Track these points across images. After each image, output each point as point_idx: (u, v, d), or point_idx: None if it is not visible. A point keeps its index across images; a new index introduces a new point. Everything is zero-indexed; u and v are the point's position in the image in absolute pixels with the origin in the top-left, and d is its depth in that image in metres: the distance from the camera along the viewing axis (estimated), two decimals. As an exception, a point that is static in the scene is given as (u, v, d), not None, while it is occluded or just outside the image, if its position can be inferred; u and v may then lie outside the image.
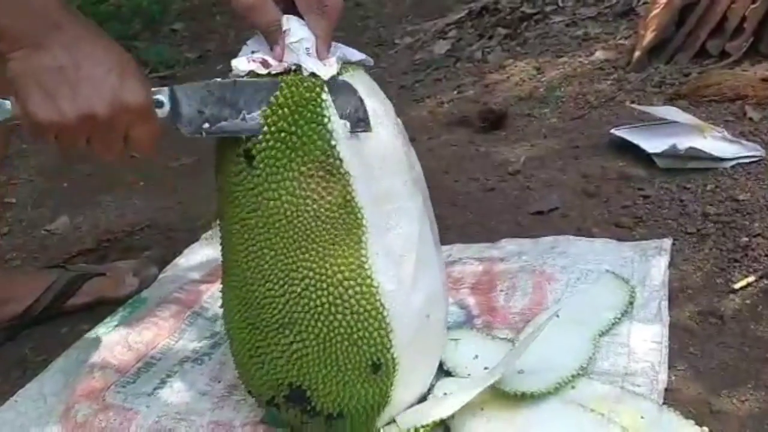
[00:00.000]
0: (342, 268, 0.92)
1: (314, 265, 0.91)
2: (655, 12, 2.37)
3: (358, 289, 0.92)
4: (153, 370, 1.24)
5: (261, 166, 0.90)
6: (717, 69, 2.16)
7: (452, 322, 1.21)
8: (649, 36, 2.33)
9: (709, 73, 2.14)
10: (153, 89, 0.89)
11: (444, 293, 1.07)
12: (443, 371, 1.10)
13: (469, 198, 1.75)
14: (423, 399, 1.05)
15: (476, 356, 1.12)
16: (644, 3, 2.81)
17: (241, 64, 0.92)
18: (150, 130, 0.89)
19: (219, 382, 1.19)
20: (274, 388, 0.97)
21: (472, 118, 2.19)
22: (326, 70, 0.92)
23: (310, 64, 0.91)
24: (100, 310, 1.46)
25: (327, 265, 0.92)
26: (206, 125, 0.90)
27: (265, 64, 0.91)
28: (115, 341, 1.31)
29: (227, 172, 0.93)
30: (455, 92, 2.55)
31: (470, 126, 2.18)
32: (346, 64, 0.95)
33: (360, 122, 0.92)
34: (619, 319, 1.16)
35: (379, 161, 0.95)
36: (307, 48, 0.91)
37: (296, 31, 0.92)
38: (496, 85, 2.52)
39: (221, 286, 1.02)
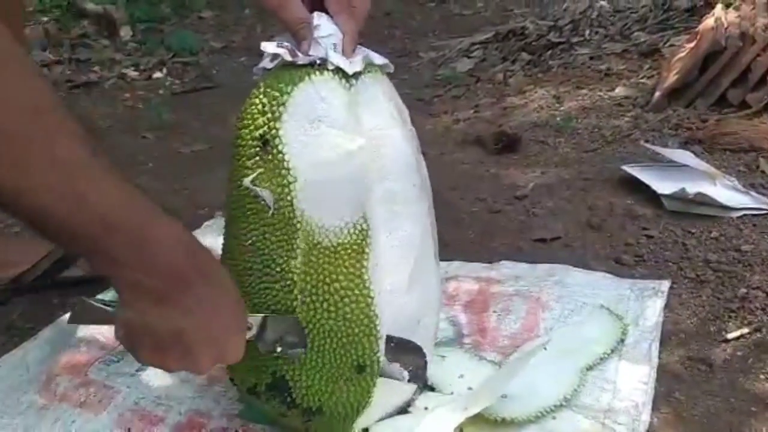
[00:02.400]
0: (341, 277, 0.91)
1: (312, 270, 0.91)
2: (680, 55, 2.38)
3: (353, 298, 0.92)
4: (138, 351, 1.23)
5: (274, 152, 0.90)
6: (735, 118, 2.16)
7: (441, 338, 1.21)
8: (671, 78, 2.33)
9: (727, 121, 2.14)
10: (249, 317, 0.90)
11: (438, 301, 1.07)
12: (427, 385, 1.10)
13: (473, 217, 1.75)
14: (403, 410, 1.04)
15: (462, 375, 1.11)
16: (670, 45, 2.82)
17: (270, 47, 0.94)
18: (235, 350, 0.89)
19: (203, 370, 1.19)
20: (257, 375, 0.96)
21: (486, 138, 2.19)
22: (351, 66, 0.93)
23: (336, 59, 0.93)
24: (94, 284, 1.46)
25: (326, 272, 0.91)
26: (279, 348, 0.92)
27: (292, 53, 0.93)
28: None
29: (241, 156, 0.93)
30: (472, 111, 2.55)
31: (483, 146, 2.18)
32: (369, 65, 0.97)
33: (417, 378, 1.00)
34: (609, 355, 1.16)
35: (390, 162, 0.95)
36: (334, 44, 0.93)
37: (325, 27, 0.94)
38: (514, 109, 2.52)
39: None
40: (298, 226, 0.90)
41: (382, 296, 0.94)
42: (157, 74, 3.34)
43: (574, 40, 3.15)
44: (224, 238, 0.99)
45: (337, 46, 0.93)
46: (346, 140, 0.91)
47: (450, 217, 1.74)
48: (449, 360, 1.14)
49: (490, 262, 1.49)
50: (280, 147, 0.90)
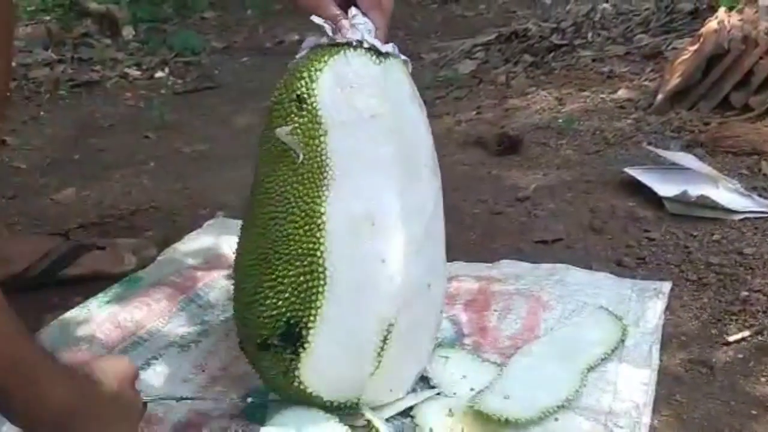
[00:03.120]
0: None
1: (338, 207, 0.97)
2: (683, 58, 2.37)
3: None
4: (139, 351, 1.24)
5: (308, 108, 0.97)
6: (738, 121, 2.16)
7: (443, 338, 1.21)
8: (674, 81, 2.33)
9: (730, 124, 2.14)
10: None
11: (444, 272, 1.13)
12: (429, 386, 1.10)
13: (474, 219, 1.75)
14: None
15: (464, 376, 1.11)
16: (673, 48, 2.82)
17: (317, 19, 1.02)
18: None
19: (203, 371, 1.19)
20: (271, 325, 0.98)
21: (488, 140, 2.19)
22: (384, 48, 1.02)
23: (371, 39, 1.01)
24: (94, 284, 1.46)
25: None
26: None
27: (334, 30, 1.01)
28: (104, 317, 1.31)
29: (277, 116, 0.99)
30: (474, 113, 2.55)
31: (485, 148, 2.18)
32: (395, 55, 1.06)
33: None
34: (609, 356, 1.16)
35: (410, 133, 1.04)
36: (369, 30, 1.02)
37: (360, 17, 1.02)
38: (516, 111, 2.52)
39: (240, 230, 1.06)
40: (326, 174, 0.96)
41: (392, 256, 0.99)
42: (159, 74, 3.34)
43: (577, 42, 3.15)
44: (251, 199, 1.03)
45: (372, 33, 1.02)
46: (373, 104, 0.99)
47: (451, 218, 1.72)
48: (451, 361, 1.14)
49: (491, 263, 1.49)
50: (314, 104, 0.97)
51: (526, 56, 3.08)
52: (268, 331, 0.98)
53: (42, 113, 2.84)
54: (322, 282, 0.96)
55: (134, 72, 3.36)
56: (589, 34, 3.21)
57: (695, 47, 2.35)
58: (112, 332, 1.27)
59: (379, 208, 0.99)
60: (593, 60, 2.95)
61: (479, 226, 1.71)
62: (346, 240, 0.97)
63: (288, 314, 0.97)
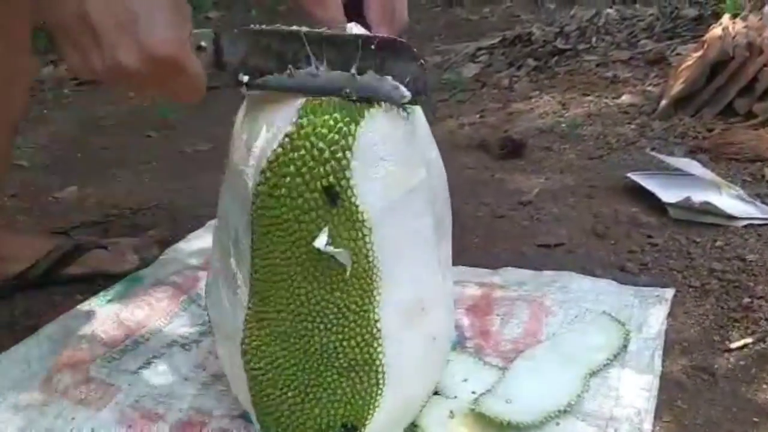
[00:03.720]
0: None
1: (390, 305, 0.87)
2: (687, 64, 2.37)
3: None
4: (140, 350, 1.24)
5: (346, 204, 0.80)
6: (741, 128, 2.16)
7: (444, 342, 1.21)
8: (678, 86, 2.33)
9: (733, 131, 2.14)
10: (196, 31, 0.81)
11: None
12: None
13: (477, 222, 1.75)
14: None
15: (465, 380, 1.11)
16: (677, 54, 2.82)
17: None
18: (191, 81, 0.79)
19: (204, 370, 1.19)
20: (323, 430, 0.91)
21: (491, 144, 2.19)
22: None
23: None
24: (96, 282, 1.46)
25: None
26: (246, 78, 0.81)
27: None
28: (106, 315, 1.31)
29: (292, 209, 0.81)
30: (477, 116, 2.55)
31: (488, 151, 2.18)
32: None
33: (418, 94, 0.80)
34: (611, 361, 1.15)
35: (438, 188, 0.94)
36: None
37: None
38: (519, 115, 2.52)
39: (245, 339, 0.91)
40: (374, 275, 0.84)
41: (442, 331, 0.96)
42: (163, 73, 3.34)
43: (581, 46, 3.16)
44: (250, 295, 0.88)
45: None
46: (410, 176, 0.84)
47: (454, 221, 1.73)
48: (453, 364, 1.13)
49: (493, 267, 1.49)
50: (351, 198, 0.80)
51: (529, 60, 3.08)
52: None
53: (45, 112, 2.85)
54: (381, 383, 0.89)
55: (138, 71, 3.36)
56: (593, 39, 3.21)
57: (699, 53, 2.35)
58: (114, 331, 1.27)
59: (427, 288, 0.91)
60: (597, 65, 2.95)
61: (481, 229, 1.71)
62: (400, 335, 0.89)
63: (344, 419, 0.90)
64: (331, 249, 0.80)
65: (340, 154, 0.79)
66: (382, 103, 0.81)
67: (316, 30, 0.80)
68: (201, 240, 1.61)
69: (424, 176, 0.86)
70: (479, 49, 3.34)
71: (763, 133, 2.09)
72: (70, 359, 1.19)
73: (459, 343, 1.23)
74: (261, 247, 0.84)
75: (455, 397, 1.08)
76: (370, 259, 0.83)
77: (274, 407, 0.92)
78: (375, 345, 0.87)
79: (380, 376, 0.89)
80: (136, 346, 1.25)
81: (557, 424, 1.02)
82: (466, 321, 1.28)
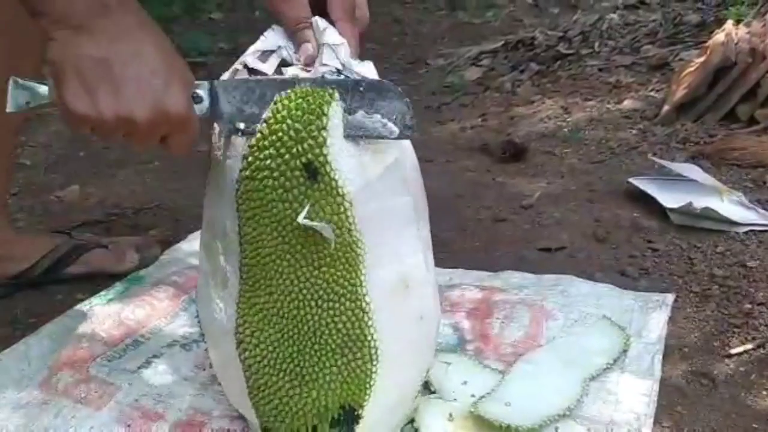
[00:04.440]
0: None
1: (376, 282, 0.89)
2: (689, 69, 2.37)
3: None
4: (140, 349, 1.24)
5: (325, 179, 0.83)
6: (743, 134, 2.16)
7: (445, 344, 1.21)
8: (680, 92, 2.33)
9: (735, 137, 2.14)
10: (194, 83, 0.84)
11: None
12: (430, 391, 1.10)
13: (478, 225, 1.75)
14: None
15: (465, 382, 1.11)
16: (679, 59, 2.82)
17: (291, 70, 0.90)
18: (188, 136, 0.84)
19: (204, 370, 1.19)
20: (322, 413, 0.92)
21: (493, 147, 2.19)
22: (368, 71, 0.91)
23: (355, 66, 0.90)
24: (97, 281, 1.46)
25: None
26: (242, 125, 0.86)
27: (305, 65, 0.89)
28: (107, 315, 1.31)
29: (275, 188, 0.85)
30: (479, 120, 2.55)
31: (490, 155, 2.18)
32: None
33: (407, 129, 0.86)
34: (611, 366, 1.15)
35: (410, 171, 0.94)
36: (346, 52, 0.90)
37: (332, 33, 0.90)
38: (522, 119, 2.52)
39: (239, 327, 0.92)
40: (358, 250, 0.87)
41: (428, 310, 0.97)
42: (166, 74, 3.34)
43: (584, 51, 3.15)
44: (241, 283, 0.90)
45: (349, 54, 0.90)
46: (384, 155, 0.88)
47: (455, 224, 1.74)
48: (453, 367, 1.13)
49: (494, 271, 1.49)
50: (330, 173, 0.84)
51: (532, 64, 3.08)
52: (318, 418, 0.92)
53: (47, 110, 2.85)
54: (375, 361, 0.90)
55: (141, 71, 3.36)
56: (596, 44, 3.21)
57: (702, 59, 2.35)
58: (115, 330, 1.27)
59: (410, 265, 0.93)
60: (600, 70, 2.95)
61: (482, 232, 1.71)
62: (388, 312, 0.90)
63: (341, 400, 0.91)
64: (314, 223, 0.83)
65: (315, 133, 0.83)
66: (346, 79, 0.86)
67: (309, 77, 0.86)
68: (202, 240, 1.61)
69: (398, 155, 0.90)
70: (482, 52, 3.33)
71: (765, 140, 2.09)
72: (71, 358, 1.19)
73: (459, 346, 1.23)
74: (248, 231, 0.87)
75: (455, 399, 1.08)
76: (353, 233, 0.86)
77: (272, 395, 0.92)
78: (365, 320, 0.89)
79: (373, 352, 0.90)
80: (137, 345, 1.25)
81: (556, 428, 1.02)
82: (466, 324, 1.28)
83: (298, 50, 0.90)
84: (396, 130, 0.86)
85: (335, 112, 0.84)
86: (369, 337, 0.89)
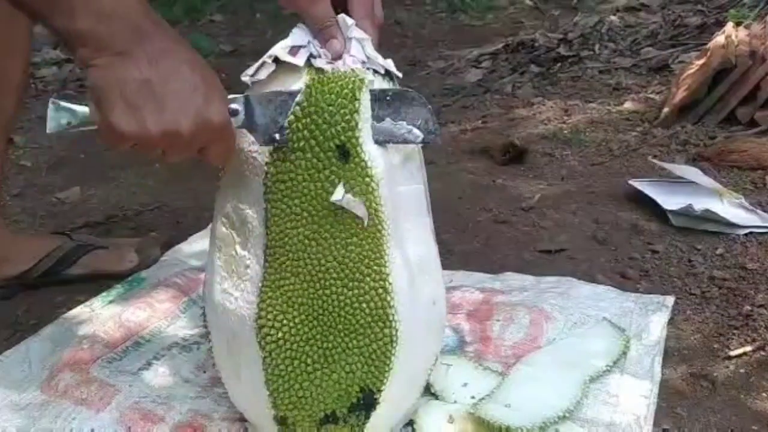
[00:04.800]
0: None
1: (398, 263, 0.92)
2: (689, 72, 2.38)
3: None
4: (141, 351, 1.24)
5: (356, 160, 0.88)
6: (743, 136, 2.16)
7: (445, 346, 1.21)
8: (680, 94, 2.33)
9: (735, 139, 2.14)
10: (229, 97, 0.87)
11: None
12: (430, 393, 1.10)
13: (478, 227, 1.75)
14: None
15: (465, 384, 1.11)
16: (680, 61, 2.82)
17: (319, 62, 0.92)
18: (227, 146, 0.88)
19: (204, 372, 1.19)
20: (342, 397, 0.93)
21: (494, 149, 2.19)
22: (390, 66, 0.95)
23: (381, 60, 0.93)
24: (97, 283, 1.46)
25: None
26: (278, 135, 0.89)
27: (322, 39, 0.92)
28: (108, 316, 1.31)
29: (307, 168, 0.88)
30: (480, 122, 2.55)
31: (490, 157, 2.18)
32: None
33: (430, 134, 0.92)
34: (611, 368, 1.16)
35: (420, 159, 0.98)
36: (371, 46, 0.94)
37: (357, 29, 0.94)
38: (522, 121, 2.52)
39: (261, 312, 0.92)
40: (384, 231, 0.90)
41: (440, 295, 1.00)
42: (167, 75, 3.35)
43: (584, 53, 3.16)
44: (265, 267, 0.92)
45: (373, 49, 0.94)
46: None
47: (455, 226, 1.74)
48: (453, 369, 1.14)
49: (494, 273, 1.49)
50: (361, 155, 0.88)
51: (533, 66, 3.08)
52: (337, 403, 0.93)
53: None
54: (394, 344, 0.92)
55: (142, 73, 3.36)
56: (597, 46, 3.21)
57: (702, 61, 2.35)
58: (115, 332, 1.27)
59: (425, 250, 0.97)
60: (600, 72, 2.95)
61: (483, 234, 1.71)
62: (407, 294, 0.93)
63: (361, 383, 0.93)
64: (348, 199, 0.87)
65: (348, 116, 0.88)
66: (377, 74, 0.92)
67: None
68: (202, 242, 1.61)
69: (414, 147, 0.95)
70: (482, 54, 3.34)
71: (766, 142, 2.09)
72: (71, 360, 1.19)
73: (459, 348, 1.23)
74: (276, 213, 0.90)
75: (455, 401, 1.08)
76: (380, 213, 0.90)
77: (292, 380, 0.93)
78: (388, 299, 0.91)
79: (394, 332, 0.92)
80: (137, 347, 1.25)
81: (556, 429, 1.02)
82: (466, 326, 1.29)
83: (323, 46, 0.92)
84: (421, 135, 0.91)
85: (365, 96, 0.89)
86: (391, 317, 0.91)
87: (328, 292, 0.90)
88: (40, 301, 1.45)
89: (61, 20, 0.76)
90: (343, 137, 0.88)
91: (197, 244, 1.61)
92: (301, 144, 0.88)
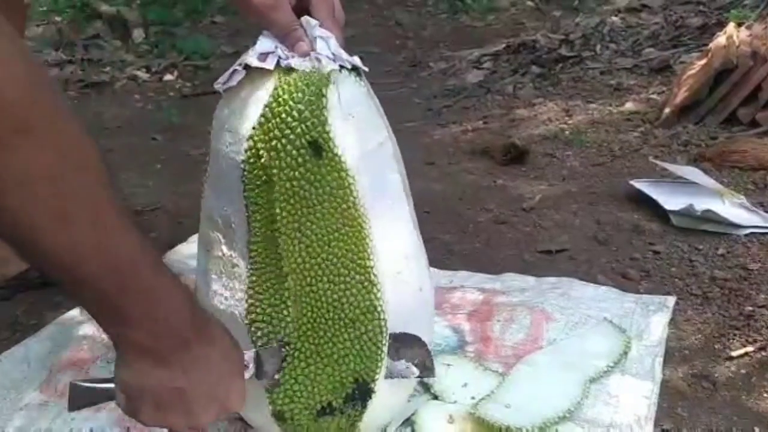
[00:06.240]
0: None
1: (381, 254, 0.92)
2: (691, 72, 2.37)
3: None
4: (140, 351, 1.23)
5: (329, 155, 0.87)
6: (745, 137, 2.16)
7: (445, 346, 1.21)
8: (681, 95, 2.33)
9: (736, 139, 2.14)
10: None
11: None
12: (430, 393, 1.10)
13: (479, 227, 1.75)
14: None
15: (465, 384, 1.11)
16: (681, 62, 2.82)
17: (297, 62, 0.91)
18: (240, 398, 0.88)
19: (204, 372, 1.18)
20: (337, 389, 0.94)
21: (495, 150, 2.19)
22: (357, 62, 0.94)
23: (346, 56, 0.93)
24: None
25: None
26: (278, 376, 0.93)
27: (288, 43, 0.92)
28: (107, 316, 1.31)
29: (281, 167, 0.88)
30: (481, 122, 2.55)
31: (491, 157, 2.18)
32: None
33: (427, 370, 0.98)
34: (612, 368, 1.15)
35: (394, 151, 0.97)
36: (335, 43, 0.93)
37: (321, 29, 0.94)
38: (523, 121, 2.52)
39: (250, 308, 0.93)
40: (364, 223, 0.90)
41: (425, 281, 1.00)
42: (168, 77, 3.35)
43: (585, 54, 3.16)
44: (250, 262, 0.92)
45: (337, 46, 0.94)
46: (376, 131, 0.94)
47: (456, 226, 1.74)
48: (453, 369, 1.13)
49: (495, 273, 1.49)
50: (334, 149, 0.88)
51: (534, 67, 3.08)
52: (332, 395, 0.94)
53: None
54: (384, 334, 0.93)
55: (143, 74, 3.37)
56: (598, 47, 3.21)
57: (703, 62, 2.35)
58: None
59: (407, 239, 0.97)
60: (601, 72, 2.95)
61: (483, 234, 1.71)
62: (392, 284, 0.94)
63: (355, 374, 0.94)
64: (323, 197, 0.88)
65: (318, 112, 0.88)
66: (345, 69, 0.92)
67: None
68: (203, 243, 1.61)
69: (386, 135, 0.95)
70: (484, 55, 3.34)
71: (767, 142, 2.09)
72: (71, 359, 1.19)
73: (459, 348, 1.23)
74: (256, 210, 0.90)
75: (455, 401, 1.08)
76: (358, 206, 0.90)
77: (286, 374, 0.94)
78: (375, 291, 0.92)
79: (383, 323, 0.93)
80: (137, 347, 1.25)
81: (557, 430, 1.02)
82: (466, 326, 1.28)
83: (290, 50, 0.93)
84: (416, 372, 0.97)
85: (333, 93, 0.89)
86: (379, 309, 0.92)
87: (315, 288, 0.91)
88: (40, 302, 1.44)
89: (113, 326, 0.75)
90: (314, 133, 0.87)
91: (197, 245, 1.61)
92: (274, 143, 0.88)
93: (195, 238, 1.64)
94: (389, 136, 0.97)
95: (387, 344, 0.94)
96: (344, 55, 0.93)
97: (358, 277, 0.91)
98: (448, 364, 1.14)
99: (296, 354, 0.93)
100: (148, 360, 0.76)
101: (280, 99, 0.88)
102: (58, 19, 4.19)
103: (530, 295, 1.37)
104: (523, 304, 1.33)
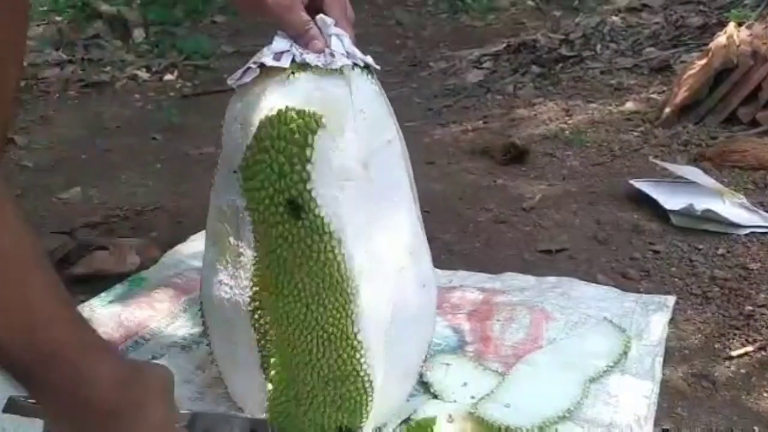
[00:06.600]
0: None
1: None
2: (691, 72, 2.37)
3: None
4: (140, 350, 1.24)
5: (310, 216, 0.84)
6: (745, 136, 2.16)
7: (445, 346, 1.21)
8: (682, 94, 2.33)
9: (736, 139, 2.14)
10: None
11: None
12: (429, 392, 1.10)
13: (479, 227, 1.75)
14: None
15: (465, 384, 1.11)
16: (682, 62, 2.82)
17: (310, 58, 0.91)
18: None
19: (204, 372, 1.19)
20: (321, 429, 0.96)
21: (495, 149, 2.19)
22: (370, 61, 0.96)
23: (359, 54, 0.94)
24: (97, 282, 1.46)
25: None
26: None
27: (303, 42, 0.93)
28: (107, 316, 1.31)
29: (261, 222, 0.87)
30: (481, 122, 2.55)
31: (491, 157, 2.18)
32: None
33: None
34: (611, 368, 1.15)
35: (403, 150, 0.98)
36: (349, 42, 0.95)
37: (334, 27, 0.95)
38: (523, 121, 2.53)
39: (255, 295, 0.93)
40: (350, 290, 0.88)
41: (429, 276, 1.01)
42: (168, 76, 3.35)
43: (585, 54, 3.16)
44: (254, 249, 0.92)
45: (351, 44, 0.96)
46: (386, 127, 0.94)
47: (456, 226, 1.74)
48: (453, 368, 1.13)
49: (495, 272, 1.49)
50: (316, 211, 0.84)
51: (534, 67, 3.09)
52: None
53: (51, 113, 2.85)
54: (368, 393, 0.94)
55: (143, 74, 3.37)
56: (598, 47, 3.21)
57: (704, 61, 2.35)
58: (115, 331, 1.27)
59: (411, 236, 0.97)
60: (601, 72, 2.95)
61: (483, 234, 1.71)
62: (395, 280, 0.93)
63: (337, 422, 0.95)
64: (301, 259, 0.84)
65: (299, 167, 0.83)
66: (357, 67, 0.92)
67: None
68: (202, 242, 1.60)
69: (395, 134, 0.95)
70: (484, 55, 3.34)
71: (767, 142, 2.09)
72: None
73: (459, 348, 1.23)
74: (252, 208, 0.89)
75: (455, 401, 1.08)
76: (342, 271, 0.86)
77: (275, 407, 0.95)
78: (357, 357, 0.91)
79: (367, 384, 0.93)
80: (137, 346, 1.25)
81: (556, 430, 1.02)
82: (466, 326, 1.28)
83: (305, 48, 0.94)
84: None
85: (321, 140, 0.84)
86: (361, 372, 0.91)
87: (293, 344, 0.91)
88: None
89: (38, 395, 0.72)
90: (293, 191, 0.83)
91: (197, 244, 1.61)
92: (254, 194, 0.86)
93: (195, 237, 1.64)
94: (398, 135, 0.97)
95: (372, 400, 0.93)
96: (358, 53, 0.95)
97: (339, 342, 0.89)
98: (448, 364, 1.14)
99: (279, 395, 0.94)
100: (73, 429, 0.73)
101: (261, 146, 0.85)
102: (58, 18, 4.19)
103: (530, 295, 1.37)
104: (523, 303, 1.33)
